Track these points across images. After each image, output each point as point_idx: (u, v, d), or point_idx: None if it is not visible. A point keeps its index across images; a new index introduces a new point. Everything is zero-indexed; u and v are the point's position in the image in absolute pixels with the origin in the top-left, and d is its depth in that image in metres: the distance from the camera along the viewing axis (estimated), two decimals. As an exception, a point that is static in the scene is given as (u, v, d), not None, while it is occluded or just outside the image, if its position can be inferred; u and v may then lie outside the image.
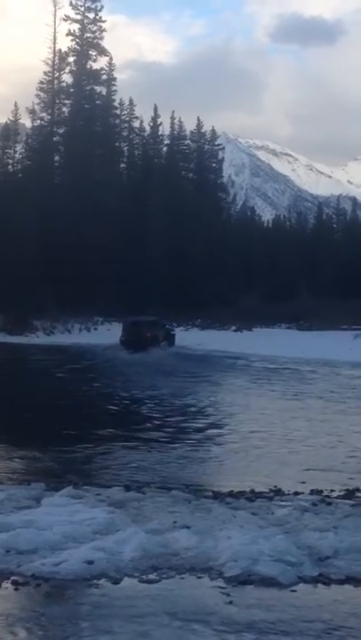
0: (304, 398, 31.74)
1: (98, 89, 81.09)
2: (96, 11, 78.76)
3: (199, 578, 9.92)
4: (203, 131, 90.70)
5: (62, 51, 78.90)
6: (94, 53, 79.46)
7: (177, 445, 20.39)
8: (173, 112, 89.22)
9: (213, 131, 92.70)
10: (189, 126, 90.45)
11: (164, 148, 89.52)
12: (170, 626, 8.40)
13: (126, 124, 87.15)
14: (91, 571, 9.93)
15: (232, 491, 14.73)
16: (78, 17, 78.58)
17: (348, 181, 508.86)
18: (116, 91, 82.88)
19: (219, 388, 35.56)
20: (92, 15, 78.89)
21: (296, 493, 14.71)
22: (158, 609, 8.85)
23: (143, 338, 53.30)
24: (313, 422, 25.29)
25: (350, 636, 8.39)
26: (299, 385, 36.78)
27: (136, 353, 48.29)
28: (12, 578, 9.71)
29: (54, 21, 78.59)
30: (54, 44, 78.94)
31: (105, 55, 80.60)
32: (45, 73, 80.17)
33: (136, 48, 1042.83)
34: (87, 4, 78.70)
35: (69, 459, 18.40)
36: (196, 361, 47.47)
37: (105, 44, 79.09)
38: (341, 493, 15.08)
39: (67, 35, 78.60)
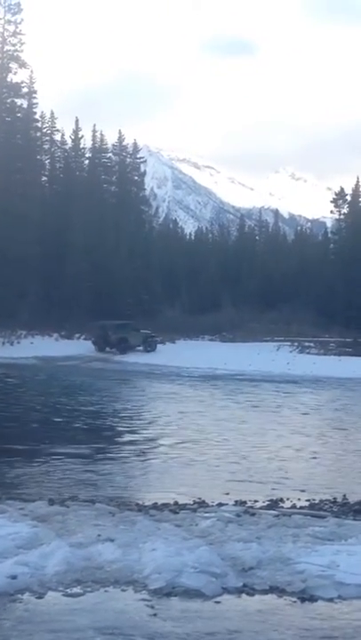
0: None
1: (18, 102, 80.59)
2: (16, 24, 78.25)
3: (123, 591, 9.89)
4: (124, 144, 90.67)
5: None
6: (15, 66, 78.94)
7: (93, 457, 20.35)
8: (95, 125, 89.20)
9: (135, 144, 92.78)
10: (111, 139, 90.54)
11: (86, 161, 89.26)
12: (94, 639, 8.37)
13: (48, 137, 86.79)
14: (14, 585, 9.84)
15: (156, 503, 14.73)
16: (-2, 30, 78.05)
17: (270, 193, 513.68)
18: (37, 103, 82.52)
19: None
20: (12, 28, 78.39)
21: (220, 504, 14.75)
22: (83, 623, 8.81)
23: (108, 340, 59.67)
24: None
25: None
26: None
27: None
28: None
29: (-27, 34, 77.97)
30: (-26, 57, 78.28)
31: (25, 68, 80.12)
32: (-35, 86, 79.49)
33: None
34: (7, 17, 78.16)
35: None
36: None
37: (25, 56, 78.64)
38: (265, 504, 15.18)
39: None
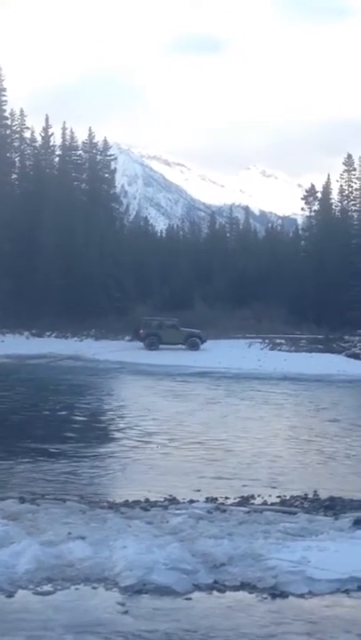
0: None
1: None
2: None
3: (94, 588, 9.88)
4: (94, 141, 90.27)
5: None
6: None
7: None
8: (65, 122, 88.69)
9: (105, 141, 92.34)
10: (81, 137, 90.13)
11: (56, 159, 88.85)
12: (64, 638, 8.34)
13: (17, 135, 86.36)
14: (-16, 584, 9.81)
15: (127, 500, 14.72)
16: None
17: (241, 190, 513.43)
18: (6, 101, 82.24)
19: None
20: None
21: (191, 501, 14.76)
22: (53, 621, 8.79)
23: (137, 334, 61.93)
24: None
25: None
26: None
27: None
28: None
29: None
30: None
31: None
32: None
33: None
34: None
35: None
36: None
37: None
38: (236, 501, 15.20)
39: None
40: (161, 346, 60.37)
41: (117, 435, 24.80)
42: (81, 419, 28.51)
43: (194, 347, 60.24)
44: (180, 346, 60.20)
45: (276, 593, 9.93)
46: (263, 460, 20.64)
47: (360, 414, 32.41)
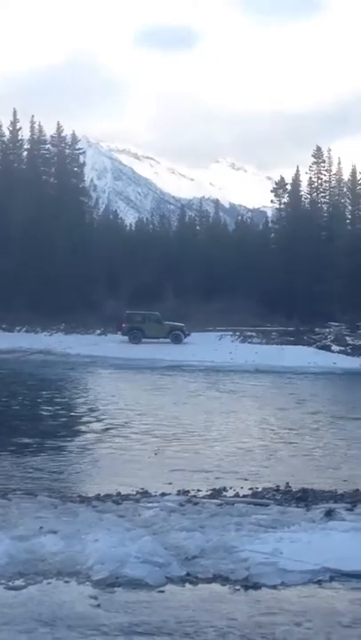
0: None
1: None
2: None
3: (66, 582, 9.83)
4: (63, 135, 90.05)
5: None
6: None
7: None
8: (33, 116, 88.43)
9: (74, 135, 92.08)
10: (49, 131, 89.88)
11: (25, 153, 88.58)
12: (36, 632, 8.30)
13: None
14: None
15: (99, 494, 14.69)
16: None
17: (210, 184, 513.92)
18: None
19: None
20: None
21: (163, 494, 14.75)
22: (25, 615, 8.73)
23: (120, 328, 62.45)
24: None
25: (219, 634, 8.43)
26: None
27: None
28: None
29: None
30: None
31: None
32: None
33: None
34: None
35: None
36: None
37: None
38: (208, 493, 15.20)
39: None
40: (144, 340, 60.56)
41: (85, 428, 24.77)
42: (50, 413, 28.44)
43: (177, 340, 60.42)
44: (162, 340, 60.52)
45: (249, 585, 9.92)
46: (236, 450, 20.68)
47: (340, 407, 32.48)
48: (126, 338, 61.33)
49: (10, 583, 9.75)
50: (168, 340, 60.37)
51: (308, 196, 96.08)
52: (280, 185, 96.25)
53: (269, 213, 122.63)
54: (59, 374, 42.44)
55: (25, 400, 31.98)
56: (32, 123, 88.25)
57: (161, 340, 60.33)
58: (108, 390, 36.19)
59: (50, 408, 29.32)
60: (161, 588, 9.74)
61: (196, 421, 26.25)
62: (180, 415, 27.73)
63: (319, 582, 10.07)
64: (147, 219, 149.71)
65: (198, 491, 15.31)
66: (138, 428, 24.45)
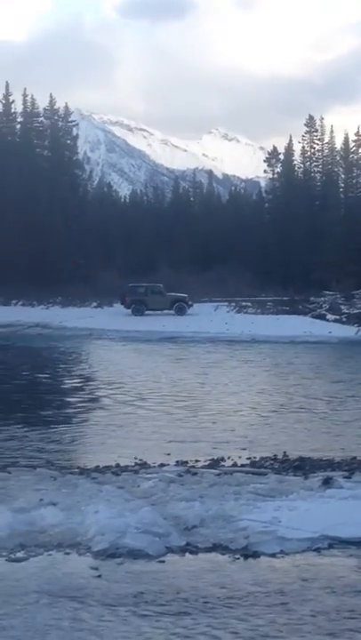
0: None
1: None
2: None
3: (67, 554, 9.91)
4: (56, 107, 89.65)
5: None
6: None
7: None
8: (25, 89, 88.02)
9: (67, 107, 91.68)
10: (42, 104, 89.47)
11: (18, 126, 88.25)
12: (39, 603, 8.37)
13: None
14: None
15: (98, 466, 14.74)
16: None
17: (204, 154, 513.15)
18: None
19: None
20: None
21: (162, 465, 14.81)
22: (27, 587, 8.80)
23: (123, 301, 62.20)
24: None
25: (220, 603, 8.49)
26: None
27: None
28: None
29: None
30: None
31: None
32: None
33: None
34: None
35: None
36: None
37: None
38: (206, 463, 15.26)
39: None
40: (147, 312, 60.51)
41: (85, 397, 24.81)
42: (47, 386, 28.52)
43: (181, 311, 60.35)
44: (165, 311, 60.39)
45: (249, 553, 10.00)
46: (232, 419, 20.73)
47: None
48: (125, 310, 61.21)
49: (11, 555, 9.83)
50: (172, 312, 60.22)
51: (302, 166, 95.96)
52: (273, 155, 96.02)
53: (263, 184, 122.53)
54: (57, 347, 42.42)
55: (21, 373, 31.97)
56: (25, 95, 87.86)
57: (165, 312, 60.20)
58: (109, 361, 36.14)
59: (45, 381, 29.36)
60: (161, 558, 9.83)
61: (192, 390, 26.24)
62: (178, 383, 27.69)
63: (318, 550, 10.15)
64: (141, 190, 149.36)
65: (197, 461, 15.36)
66: (133, 395, 24.50)
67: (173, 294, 61.96)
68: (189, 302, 61.66)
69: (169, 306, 60.96)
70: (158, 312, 59.91)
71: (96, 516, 10.78)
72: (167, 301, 61.24)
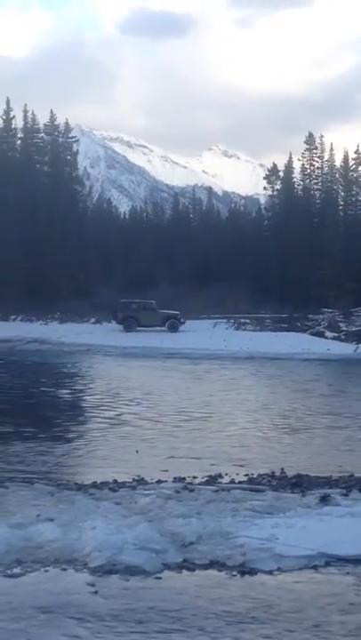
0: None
1: None
2: None
3: (64, 570, 9.90)
4: (56, 123, 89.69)
5: None
6: None
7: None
8: (26, 105, 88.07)
9: (67, 123, 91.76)
10: (43, 119, 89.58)
11: (18, 142, 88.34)
12: (35, 619, 8.36)
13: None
14: None
15: (95, 482, 14.74)
16: None
17: (203, 171, 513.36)
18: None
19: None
20: None
21: (159, 482, 14.81)
22: (23, 603, 8.79)
23: (115, 317, 61.95)
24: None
25: (217, 619, 8.49)
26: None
27: None
28: None
29: None
30: None
31: None
32: None
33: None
34: None
35: None
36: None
37: None
38: (204, 480, 15.26)
39: None
40: (138, 328, 60.42)
41: (85, 415, 24.83)
42: (44, 401, 28.55)
43: (173, 328, 60.33)
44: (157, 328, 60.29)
45: (246, 570, 10.00)
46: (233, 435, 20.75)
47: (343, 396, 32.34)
48: (121, 326, 61.12)
49: (8, 571, 9.82)
50: (163, 329, 60.19)
51: (301, 183, 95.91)
52: (273, 172, 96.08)
53: (262, 201, 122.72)
54: (54, 363, 42.48)
55: (19, 389, 31.97)
56: (25, 111, 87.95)
57: (156, 328, 60.13)
58: (109, 378, 36.14)
59: (42, 397, 29.37)
60: (158, 575, 9.82)
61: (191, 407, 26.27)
62: (180, 402, 27.72)
63: (315, 567, 10.15)
64: (140, 207, 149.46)
65: (194, 477, 15.36)
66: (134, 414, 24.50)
67: (165, 311, 61.94)
68: (181, 319, 61.62)
69: (161, 322, 60.91)
70: (150, 329, 59.88)
71: (93, 532, 10.78)
72: (159, 318, 61.18)
